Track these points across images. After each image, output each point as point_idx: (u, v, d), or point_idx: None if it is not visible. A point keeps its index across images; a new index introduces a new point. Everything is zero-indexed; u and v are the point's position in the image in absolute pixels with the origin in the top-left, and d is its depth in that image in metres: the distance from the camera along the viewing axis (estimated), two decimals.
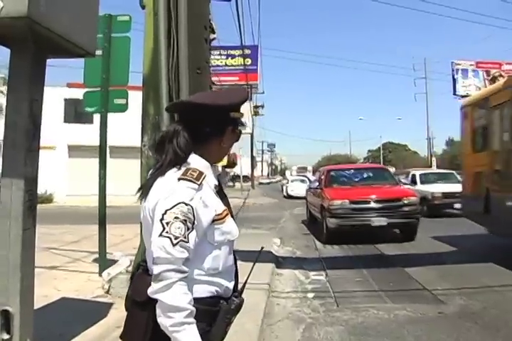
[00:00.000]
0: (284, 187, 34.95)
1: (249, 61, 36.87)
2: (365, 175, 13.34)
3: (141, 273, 1.82)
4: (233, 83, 36.62)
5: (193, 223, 1.66)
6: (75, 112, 23.94)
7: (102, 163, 6.54)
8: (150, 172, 1.86)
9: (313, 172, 47.33)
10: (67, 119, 26.14)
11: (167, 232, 1.62)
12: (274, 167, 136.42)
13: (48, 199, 24.79)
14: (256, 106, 45.71)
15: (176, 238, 1.62)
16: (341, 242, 10.70)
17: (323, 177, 13.46)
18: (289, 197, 31.57)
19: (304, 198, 17.26)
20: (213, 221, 1.74)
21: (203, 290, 1.74)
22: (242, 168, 49.48)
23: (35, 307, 4.56)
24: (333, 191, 11.95)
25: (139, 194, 1.83)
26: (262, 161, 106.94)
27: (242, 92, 1.95)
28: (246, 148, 52.41)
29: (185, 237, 1.63)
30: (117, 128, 16.03)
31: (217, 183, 1.87)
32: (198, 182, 1.69)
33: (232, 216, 1.86)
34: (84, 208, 19.47)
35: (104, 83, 6.38)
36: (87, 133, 19.20)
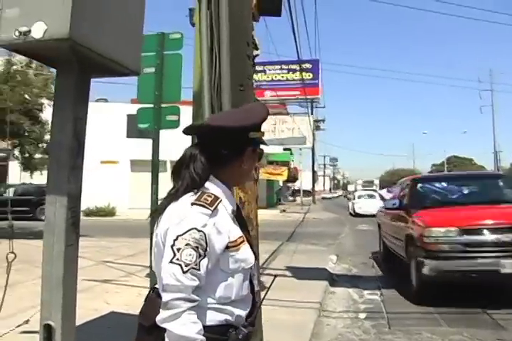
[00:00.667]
0: (350, 204, 30.83)
1: (310, 75, 36.82)
2: (473, 189, 8.58)
3: (154, 296, 1.77)
4: (295, 97, 36.78)
5: (205, 250, 1.62)
6: (136, 127, 24.63)
7: (154, 179, 6.64)
8: (164, 196, 1.83)
9: (381, 187, 45.47)
10: (130, 134, 26.92)
11: (178, 259, 1.58)
12: (336, 181, 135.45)
13: (110, 212, 25.52)
14: (317, 121, 45.54)
15: (187, 265, 1.57)
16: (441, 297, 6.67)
17: (406, 191, 8.95)
18: (356, 215, 27.78)
19: (374, 216, 13.33)
20: (227, 248, 1.68)
21: (212, 318, 1.68)
22: (303, 182, 49.31)
23: (85, 320, 4.69)
24: (428, 213, 7.28)
25: (150, 218, 1.81)
26: (324, 175, 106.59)
27: (262, 111, 1.86)
28: (307, 163, 52.27)
29: (196, 264, 1.59)
30: (179, 143, 16.37)
31: (235, 208, 1.83)
32: (212, 208, 1.65)
33: (249, 243, 1.80)
34: (145, 221, 19.84)
35: (157, 100, 6.52)
36: (149, 148, 19.74)
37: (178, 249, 1.59)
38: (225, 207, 1.74)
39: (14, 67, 13.70)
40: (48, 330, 3.00)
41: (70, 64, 3.03)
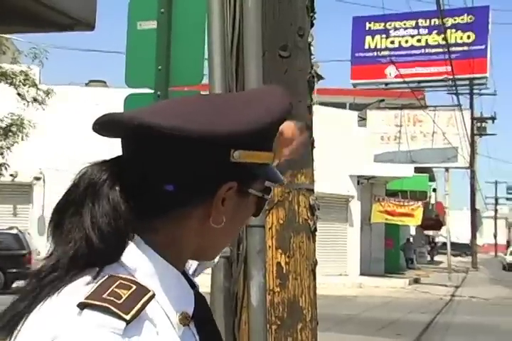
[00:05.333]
0: None
1: (470, 36, 36.04)
2: None
3: None
4: (441, 77, 35.70)
5: None
6: None
7: None
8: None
9: None
10: None
11: None
12: None
13: None
14: (480, 119, 43.77)
15: None
16: None
17: None
18: None
19: None
20: None
21: None
22: (454, 229, 48.13)
23: None
24: None
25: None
26: (495, 218, 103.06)
27: (276, 103, 1.38)
28: (461, 195, 51.09)
29: None
30: None
31: (190, 310, 1.35)
32: (128, 316, 1.14)
33: None
34: None
35: (160, 81, 6.22)
36: None
37: None
38: (164, 310, 1.28)
39: None
40: None
41: None
